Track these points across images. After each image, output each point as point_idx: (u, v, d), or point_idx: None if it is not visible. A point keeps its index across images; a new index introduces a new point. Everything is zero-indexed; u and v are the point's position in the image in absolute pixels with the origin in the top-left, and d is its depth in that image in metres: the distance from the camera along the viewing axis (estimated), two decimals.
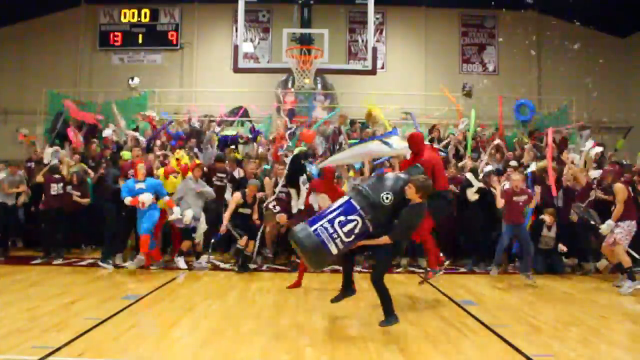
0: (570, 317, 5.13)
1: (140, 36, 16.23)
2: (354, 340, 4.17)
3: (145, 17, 16.31)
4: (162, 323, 4.57)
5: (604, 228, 6.46)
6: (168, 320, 4.67)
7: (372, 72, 8.55)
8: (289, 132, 10.27)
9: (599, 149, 8.97)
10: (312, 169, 7.90)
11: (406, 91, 14.39)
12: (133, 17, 16.28)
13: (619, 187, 6.52)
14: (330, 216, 4.30)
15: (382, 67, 15.45)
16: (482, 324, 4.69)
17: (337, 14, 15.80)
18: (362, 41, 15.70)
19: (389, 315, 4.41)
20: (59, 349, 3.73)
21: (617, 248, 6.40)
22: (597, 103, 13.37)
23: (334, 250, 4.22)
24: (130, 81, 14.22)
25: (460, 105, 11.85)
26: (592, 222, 6.84)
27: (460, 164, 8.92)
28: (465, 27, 16.34)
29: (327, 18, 14.59)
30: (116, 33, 16.25)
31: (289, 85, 14.08)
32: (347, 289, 4.85)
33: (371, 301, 5.57)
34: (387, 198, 4.33)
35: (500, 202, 7.05)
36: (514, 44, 14.08)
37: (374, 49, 8.42)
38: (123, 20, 16.26)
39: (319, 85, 14.15)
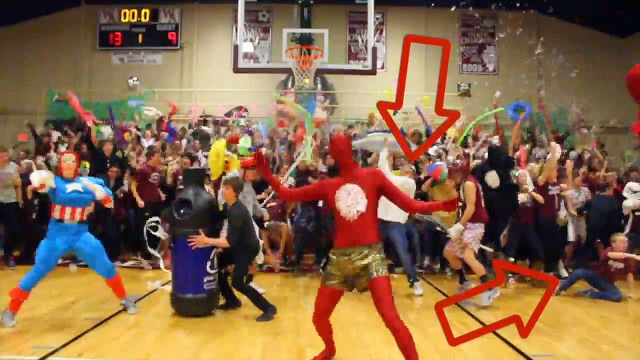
0: (570, 317, 5.14)
1: (140, 36, 16.26)
2: (354, 340, 4.17)
3: (145, 17, 16.34)
4: (162, 323, 4.57)
5: (453, 232, 5.71)
6: (168, 320, 4.67)
7: (372, 72, 8.54)
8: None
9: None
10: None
11: (406, 91, 14.38)
12: (133, 17, 16.30)
13: (469, 185, 5.71)
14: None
15: (382, 67, 15.46)
16: (482, 324, 4.69)
17: (337, 14, 15.82)
18: (362, 41, 15.71)
19: (265, 309, 4.83)
20: (59, 349, 3.73)
21: (466, 253, 5.67)
22: (597, 103, 13.36)
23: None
24: (129, 81, 14.24)
25: (458, 105, 11.84)
26: (438, 228, 6.18)
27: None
28: (465, 27, 16.35)
29: (327, 18, 14.63)
30: (116, 33, 16.28)
31: (289, 85, 14.08)
32: (232, 301, 5.18)
33: (371, 303, 5.56)
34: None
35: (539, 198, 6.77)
36: (514, 44, 14.10)
37: (374, 49, 8.41)
38: (123, 20, 16.29)
39: (319, 85, 14.16)
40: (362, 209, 3.25)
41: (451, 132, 9.92)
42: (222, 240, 4.85)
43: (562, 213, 7.57)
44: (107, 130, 10.58)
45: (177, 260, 4.85)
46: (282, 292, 6.02)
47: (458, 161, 6.42)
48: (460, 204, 5.71)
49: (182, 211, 4.83)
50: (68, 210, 4.64)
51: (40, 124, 12.93)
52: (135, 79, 14.32)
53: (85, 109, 11.29)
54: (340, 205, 3.30)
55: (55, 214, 4.64)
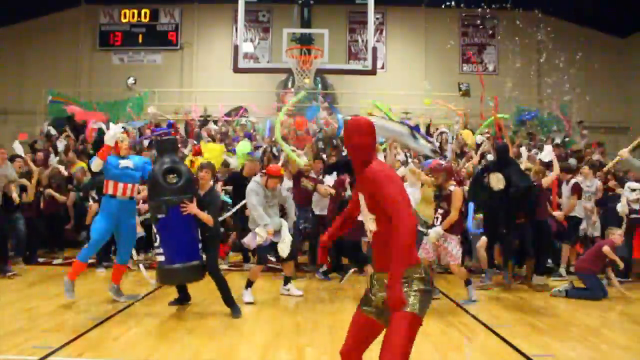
0: (570, 317, 5.14)
1: (140, 36, 16.27)
2: None
3: (145, 17, 16.35)
4: (162, 323, 4.57)
5: (432, 235, 5.45)
6: (168, 321, 4.67)
7: (372, 72, 8.55)
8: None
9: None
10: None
11: (406, 91, 14.41)
12: (133, 17, 16.32)
13: (457, 192, 5.50)
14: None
15: (382, 67, 15.47)
16: (482, 324, 4.69)
17: (337, 14, 15.83)
18: (362, 41, 15.72)
19: (232, 307, 4.88)
20: (59, 349, 3.73)
21: (454, 266, 5.48)
22: (597, 103, 13.39)
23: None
24: (127, 81, 14.24)
25: (459, 104, 11.84)
26: (420, 228, 5.90)
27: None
28: (465, 27, 16.36)
29: (327, 18, 14.65)
30: (116, 33, 16.29)
31: (289, 85, 14.09)
32: (184, 297, 5.27)
33: None
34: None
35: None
36: (514, 44, 14.11)
37: (374, 49, 8.41)
38: (123, 20, 16.30)
39: (319, 85, 14.17)
40: (373, 228, 2.41)
41: (462, 134, 9.89)
42: (209, 217, 4.85)
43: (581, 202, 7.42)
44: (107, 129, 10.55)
45: (172, 229, 4.71)
46: (279, 295, 6.02)
47: (442, 161, 6.26)
48: (441, 210, 5.53)
49: (172, 179, 4.74)
50: (120, 186, 5.11)
51: (40, 124, 12.95)
52: (132, 79, 14.31)
53: (88, 112, 11.36)
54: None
55: (108, 189, 5.11)
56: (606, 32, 15.43)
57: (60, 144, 10.23)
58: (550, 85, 13.37)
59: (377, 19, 15.05)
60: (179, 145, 8.11)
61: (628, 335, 4.59)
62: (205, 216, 4.82)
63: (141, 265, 6.57)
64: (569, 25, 15.20)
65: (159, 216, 4.69)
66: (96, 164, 5.04)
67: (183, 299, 5.26)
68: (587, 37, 15.09)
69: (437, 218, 5.57)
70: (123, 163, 5.14)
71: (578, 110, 13.03)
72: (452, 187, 5.52)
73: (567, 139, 11.66)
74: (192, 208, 4.71)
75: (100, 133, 9.24)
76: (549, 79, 13.56)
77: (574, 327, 4.72)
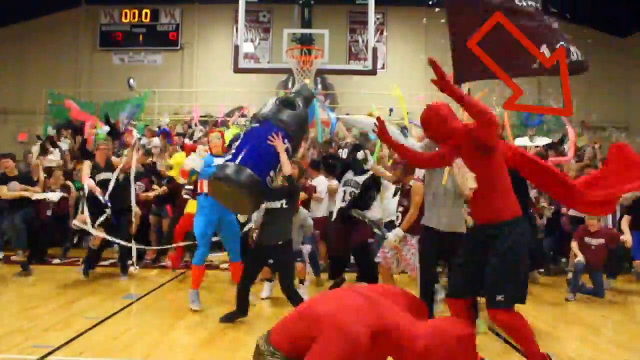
0: (570, 317, 5.14)
1: (140, 36, 16.29)
2: None
3: (145, 17, 16.37)
4: (162, 323, 4.57)
5: (391, 237, 4.71)
6: (168, 320, 4.67)
7: (373, 72, 8.57)
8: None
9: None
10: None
11: (406, 91, 14.38)
12: (133, 18, 16.34)
13: (417, 186, 4.69)
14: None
15: (383, 67, 15.46)
16: None
17: (338, 14, 15.83)
18: (363, 41, 15.72)
19: None
20: (58, 348, 3.73)
21: (413, 276, 4.69)
22: (597, 103, 13.38)
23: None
24: (128, 81, 14.25)
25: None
26: (376, 231, 5.30)
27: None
28: None
29: (328, 18, 14.65)
30: (117, 33, 16.31)
31: (289, 85, 14.10)
32: (244, 310, 4.65)
33: None
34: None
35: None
36: None
37: (374, 49, 8.44)
38: (123, 20, 16.32)
39: (319, 86, 14.17)
40: None
41: None
42: (290, 165, 4.40)
43: None
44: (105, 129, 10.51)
45: (254, 139, 4.34)
46: (280, 292, 6.02)
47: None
48: (401, 208, 5.00)
49: (285, 107, 4.51)
50: None
51: (40, 124, 12.95)
52: (132, 79, 14.32)
53: (84, 112, 11.33)
54: None
55: (204, 188, 4.99)
56: (606, 32, 15.42)
57: (64, 145, 10.19)
58: (550, 85, 13.35)
59: (378, 19, 15.04)
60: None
61: (629, 335, 4.59)
62: (286, 161, 4.34)
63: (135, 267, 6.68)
64: (568, 25, 15.13)
65: (253, 124, 4.46)
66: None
67: (238, 313, 4.62)
68: (586, 36, 15.08)
69: (398, 217, 4.95)
70: (218, 162, 4.76)
71: (577, 110, 13.00)
72: (412, 182, 4.90)
73: (564, 137, 11.66)
74: (279, 144, 4.28)
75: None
76: (549, 79, 13.54)
77: (574, 327, 4.72)
